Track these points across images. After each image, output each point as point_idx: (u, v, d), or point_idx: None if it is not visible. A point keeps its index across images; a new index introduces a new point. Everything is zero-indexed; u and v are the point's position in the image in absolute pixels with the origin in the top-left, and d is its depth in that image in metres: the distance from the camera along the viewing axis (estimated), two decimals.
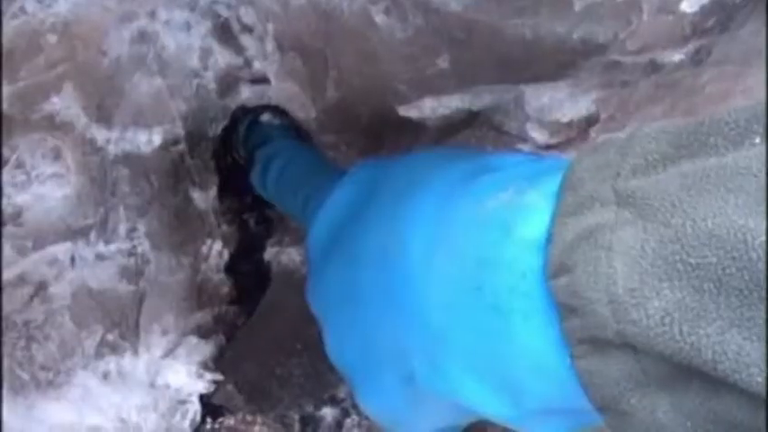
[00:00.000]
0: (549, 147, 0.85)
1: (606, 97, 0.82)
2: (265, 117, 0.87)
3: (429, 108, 0.84)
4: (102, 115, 0.81)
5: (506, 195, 0.40)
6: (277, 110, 0.88)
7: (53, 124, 0.77)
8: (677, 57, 0.76)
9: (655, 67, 0.78)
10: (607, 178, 0.35)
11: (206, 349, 0.93)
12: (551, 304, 0.36)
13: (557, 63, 0.76)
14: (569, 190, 0.36)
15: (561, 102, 0.81)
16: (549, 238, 0.36)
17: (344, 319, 0.52)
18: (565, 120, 0.82)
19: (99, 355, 0.85)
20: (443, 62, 0.78)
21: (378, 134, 0.88)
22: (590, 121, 0.83)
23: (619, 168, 0.35)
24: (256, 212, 0.95)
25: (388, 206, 0.49)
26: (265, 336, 0.95)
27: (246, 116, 0.89)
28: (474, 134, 0.86)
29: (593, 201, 0.35)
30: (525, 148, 0.86)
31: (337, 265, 0.52)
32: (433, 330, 0.43)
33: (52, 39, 0.75)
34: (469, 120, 0.85)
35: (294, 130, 0.88)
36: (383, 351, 0.49)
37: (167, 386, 0.90)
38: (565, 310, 0.35)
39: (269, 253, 0.96)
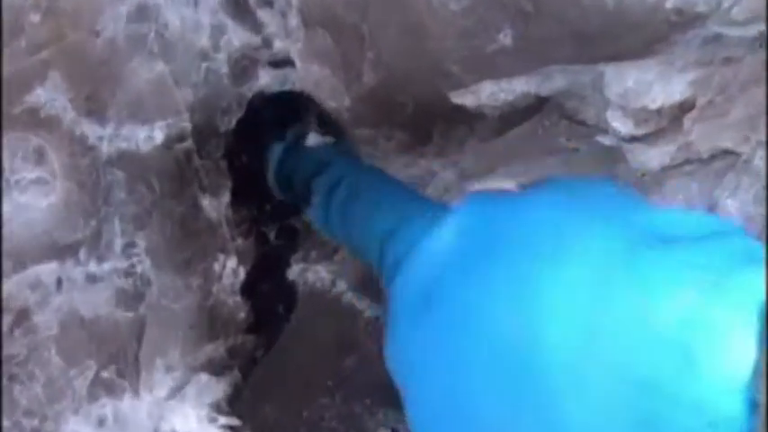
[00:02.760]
0: (633, 138, 0.83)
1: (704, 78, 0.80)
2: (312, 139, 0.86)
3: (488, 93, 0.83)
4: (94, 108, 0.80)
5: (686, 299, 0.37)
6: (325, 124, 0.88)
7: (36, 120, 0.76)
8: None
9: (765, 40, 0.76)
10: None
11: (219, 388, 0.93)
12: None
13: (645, 37, 0.75)
14: None
15: (649, 84, 0.80)
16: (755, 381, 0.34)
17: (438, 396, 0.49)
18: (654, 106, 0.81)
19: (92, 396, 0.84)
20: (506, 38, 0.77)
21: (424, 126, 0.87)
22: (684, 108, 0.81)
23: None
24: (277, 222, 0.94)
25: (517, 271, 0.45)
26: (290, 371, 0.94)
27: (277, 142, 0.88)
28: (542, 124, 0.85)
29: None
30: (605, 140, 0.84)
31: (436, 330, 0.48)
32: None
33: (35, 17, 0.74)
34: (537, 107, 0.84)
35: (351, 149, 0.88)
36: None
37: None
38: None
39: (293, 271, 0.96)
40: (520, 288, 0.43)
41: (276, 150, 0.87)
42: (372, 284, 0.97)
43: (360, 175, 0.75)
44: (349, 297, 0.96)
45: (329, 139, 0.84)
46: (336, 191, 0.73)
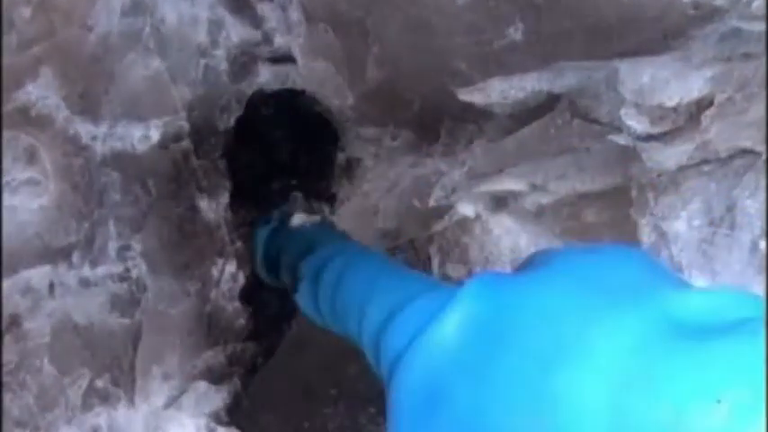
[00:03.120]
0: (649, 137, 0.82)
1: (723, 74, 0.79)
2: (297, 219, 0.85)
3: (497, 91, 0.82)
4: (87, 106, 0.79)
5: (719, 414, 0.35)
6: (308, 203, 0.88)
7: (27, 118, 0.75)
8: None
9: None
10: None
11: (218, 397, 0.92)
12: None
13: (661, 32, 0.74)
14: None
15: (666, 81, 0.78)
16: None
17: None
18: (670, 103, 0.80)
19: (86, 406, 0.83)
20: (516, 33, 0.76)
21: (431, 125, 0.86)
22: (702, 105, 0.80)
23: None
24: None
25: (530, 372, 0.41)
26: (291, 379, 0.93)
27: (262, 225, 0.88)
28: (553, 123, 0.83)
29: None
30: (619, 139, 0.83)
31: None
32: None
33: (26, 12, 0.73)
34: (548, 105, 0.83)
35: (337, 229, 0.85)
36: None
37: None
38: None
39: None
40: (533, 392, 0.40)
41: (261, 235, 0.87)
42: None
43: (349, 258, 0.70)
44: None
45: (315, 219, 0.84)
46: (324, 275, 0.69)
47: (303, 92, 0.88)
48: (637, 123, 0.81)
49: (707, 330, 0.38)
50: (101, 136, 0.80)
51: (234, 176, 0.89)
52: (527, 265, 0.51)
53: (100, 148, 0.80)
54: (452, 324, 0.47)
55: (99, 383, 0.83)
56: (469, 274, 0.93)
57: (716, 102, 0.79)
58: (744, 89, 0.80)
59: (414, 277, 0.63)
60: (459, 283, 0.51)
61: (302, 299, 0.73)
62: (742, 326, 0.38)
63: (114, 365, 0.84)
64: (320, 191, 0.92)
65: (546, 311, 0.43)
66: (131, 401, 0.85)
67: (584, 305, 0.42)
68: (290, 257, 0.78)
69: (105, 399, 0.83)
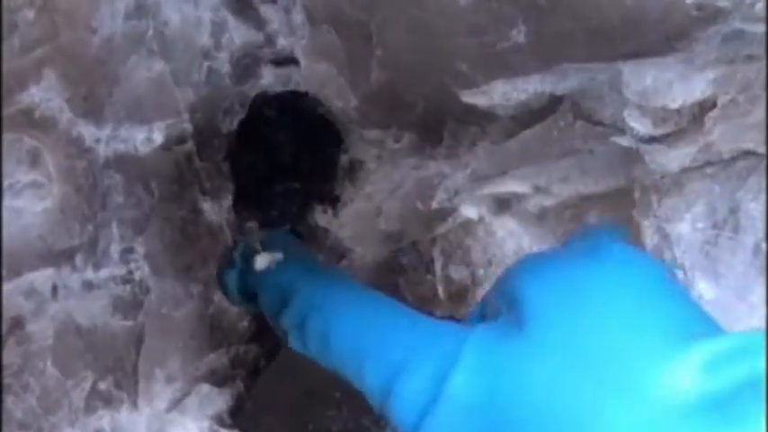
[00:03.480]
0: (652, 139, 0.82)
1: (726, 76, 0.78)
2: (260, 262, 0.74)
3: (500, 93, 0.82)
4: (91, 109, 0.79)
5: None
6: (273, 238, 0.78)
7: (31, 121, 0.75)
8: None
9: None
10: None
11: (221, 400, 0.92)
12: None
13: (664, 34, 0.74)
14: None
15: (669, 83, 0.78)
16: None
17: None
18: (674, 105, 0.79)
19: (89, 408, 0.83)
20: (519, 34, 0.75)
21: (435, 127, 0.86)
22: (705, 107, 0.80)
23: None
24: (281, 227, 0.93)
25: None
26: (294, 382, 0.93)
27: (227, 270, 0.78)
28: (557, 125, 0.83)
29: None
30: (622, 141, 0.82)
31: None
32: None
33: (29, 14, 0.73)
34: (551, 107, 0.82)
35: (306, 258, 0.75)
36: None
37: None
38: None
39: None
40: None
41: (230, 280, 0.79)
42: (380, 291, 0.95)
43: (330, 304, 0.62)
44: None
45: (279, 255, 0.74)
46: (308, 328, 0.62)
47: (306, 94, 0.87)
48: (640, 125, 0.80)
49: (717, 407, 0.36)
50: (104, 138, 0.80)
51: (237, 179, 0.89)
52: (523, 295, 0.47)
53: (103, 151, 0.80)
54: (458, 386, 0.45)
55: (102, 386, 0.83)
56: (472, 276, 0.92)
57: (719, 104, 0.79)
58: (747, 91, 0.79)
59: (406, 320, 0.56)
60: (457, 333, 0.48)
61: (296, 348, 0.66)
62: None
63: (117, 368, 0.84)
64: (323, 193, 0.91)
65: (554, 385, 0.40)
66: (134, 404, 0.85)
67: (591, 377, 0.39)
68: (268, 310, 0.70)
69: (108, 401, 0.83)
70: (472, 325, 0.52)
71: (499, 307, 0.49)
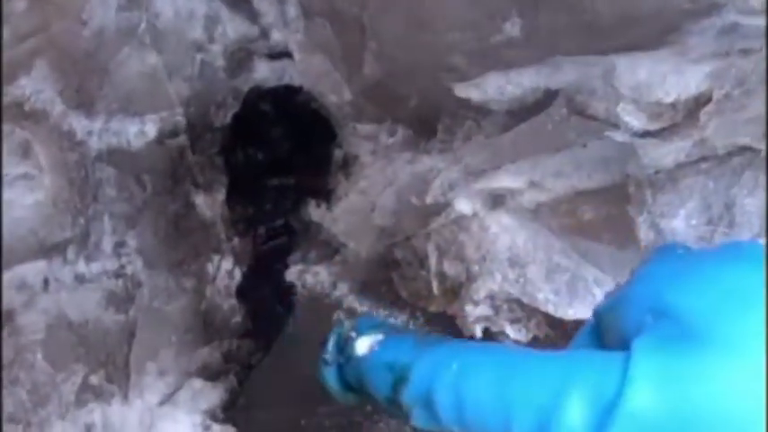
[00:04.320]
0: (646, 133, 0.81)
1: (721, 70, 0.78)
2: (361, 345, 0.68)
3: (494, 87, 0.81)
4: (83, 101, 0.79)
5: None
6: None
7: (22, 112, 0.75)
8: None
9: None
10: None
11: (214, 394, 0.91)
12: None
13: (658, 27, 0.73)
14: None
15: (663, 76, 0.77)
16: None
17: None
18: (668, 99, 0.79)
19: (80, 402, 0.82)
20: (513, 28, 0.75)
21: (429, 121, 0.85)
22: (700, 101, 0.79)
23: None
24: (275, 221, 0.92)
25: None
26: (287, 377, 0.92)
27: (323, 367, 0.74)
28: (551, 119, 0.82)
29: None
30: (615, 135, 0.81)
31: None
32: None
33: (20, 5, 0.73)
34: (545, 101, 0.82)
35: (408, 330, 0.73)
36: None
37: None
38: None
39: (291, 272, 0.93)
40: None
41: (331, 377, 0.71)
42: (375, 287, 0.94)
43: (454, 370, 0.56)
44: (350, 300, 0.94)
45: (379, 337, 0.67)
46: (435, 400, 0.56)
47: (300, 88, 0.87)
48: (634, 119, 0.79)
49: None
50: (96, 131, 0.80)
51: (230, 173, 0.88)
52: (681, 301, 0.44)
53: (95, 144, 0.80)
54: (635, 422, 0.41)
55: (93, 380, 0.82)
56: (466, 272, 0.91)
57: (714, 98, 0.78)
58: (742, 85, 0.78)
59: (540, 360, 0.51)
60: (607, 358, 0.45)
61: (423, 425, 0.63)
62: None
63: (109, 362, 0.83)
64: (317, 187, 0.91)
65: (748, 394, 0.39)
66: (126, 398, 0.84)
67: None
68: (381, 393, 0.63)
69: (99, 395, 0.82)
70: (587, 344, 0.52)
71: (637, 320, 0.47)
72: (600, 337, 0.53)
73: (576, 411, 0.43)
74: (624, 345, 0.44)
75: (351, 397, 0.74)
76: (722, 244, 0.53)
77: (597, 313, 0.53)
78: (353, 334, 0.70)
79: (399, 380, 0.60)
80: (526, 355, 0.51)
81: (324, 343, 0.74)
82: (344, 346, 0.71)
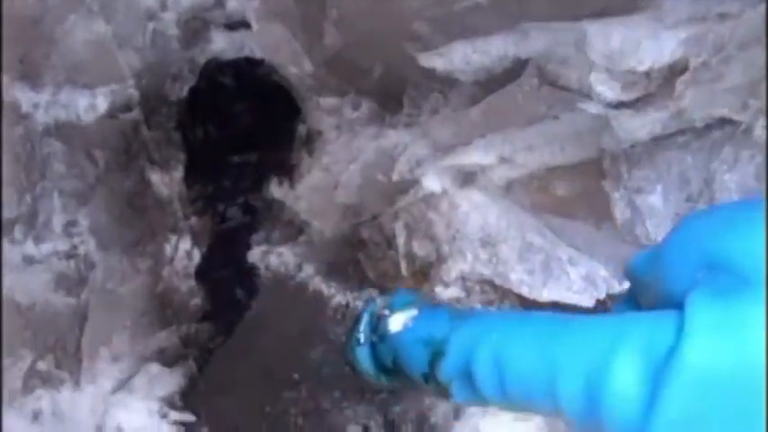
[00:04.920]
0: (620, 104, 0.77)
1: (698, 36, 0.74)
2: (395, 322, 0.67)
3: (460, 56, 0.78)
4: (28, 71, 0.75)
5: None
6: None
7: None
8: None
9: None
10: None
11: (172, 381, 0.87)
12: None
13: None
14: None
15: (637, 43, 0.74)
16: None
17: None
18: (642, 68, 0.75)
19: (27, 388, 0.79)
20: None
21: (394, 94, 0.82)
22: (676, 70, 0.75)
23: None
24: (236, 199, 0.88)
25: None
26: (250, 362, 0.88)
27: (355, 347, 0.71)
28: (521, 90, 0.79)
29: None
30: (589, 107, 0.78)
31: None
32: None
33: None
34: (515, 71, 0.78)
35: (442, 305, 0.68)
36: None
37: (120, 429, 0.83)
38: None
39: (254, 253, 0.90)
40: None
41: (363, 356, 0.71)
42: (342, 269, 0.91)
43: (493, 339, 0.55)
44: (316, 282, 0.90)
45: (413, 312, 0.66)
46: (475, 371, 0.55)
47: (261, 61, 0.83)
48: (608, 89, 0.76)
49: None
50: (43, 104, 0.77)
51: (188, 149, 0.84)
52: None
53: (42, 117, 0.77)
54: (696, 374, 0.39)
55: (41, 365, 0.79)
56: (436, 252, 0.87)
57: (690, 66, 0.75)
58: (720, 52, 0.75)
59: (583, 323, 0.49)
60: (659, 315, 0.43)
61: (463, 398, 0.59)
62: None
63: (58, 346, 0.80)
64: (279, 164, 0.87)
65: None
66: (77, 384, 0.81)
67: None
68: (417, 369, 0.63)
69: (48, 381, 0.79)
70: (628, 304, 0.51)
71: (685, 276, 0.44)
72: (635, 303, 0.51)
73: (627, 370, 0.41)
74: (669, 303, 0.43)
75: (385, 378, 0.71)
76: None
77: (632, 275, 0.52)
78: (387, 311, 0.67)
79: (436, 355, 0.60)
80: (568, 320, 0.50)
81: (355, 322, 0.70)
82: (377, 324, 0.68)
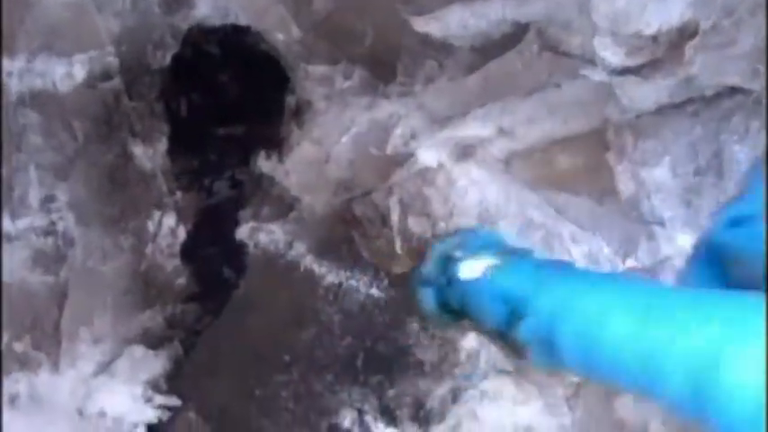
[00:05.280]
0: (625, 70, 0.74)
1: None
2: (468, 269, 0.64)
3: (457, 21, 0.75)
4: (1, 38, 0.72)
5: None
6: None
7: None
8: None
9: None
10: None
11: (156, 363, 0.84)
12: None
13: None
14: None
15: (644, 4, 0.71)
16: None
17: None
18: (649, 31, 0.72)
19: (4, 371, 0.76)
20: None
21: (387, 61, 0.79)
22: (685, 34, 0.72)
23: None
24: (223, 173, 0.85)
25: None
26: (239, 344, 0.85)
27: (423, 287, 0.68)
28: (521, 57, 0.76)
29: None
30: (593, 74, 0.74)
31: None
32: None
33: None
34: (514, 36, 0.75)
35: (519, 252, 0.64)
36: None
37: (102, 414, 0.81)
38: None
39: (242, 230, 0.87)
40: None
41: (428, 297, 0.68)
42: (335, 247, 0.87)
43: (585, 304, 0.53)
44: (307, 261, 0.86)
45: (489, 261, 0.62)
46: (560, 337, 0.53)
47: (248, 28, 0.79)
48: (612, 55, 0.73)
49: None
50: (17, 72, 0.74)
51: (172, 120, 0.81)
52: None
53: (16, 86, 0.74)
54: None
55: (17, 347, 0.77)
56: (433, 229, 0.84)
57: (700, 30, 0.71)
58: (731, 15, 0.71)
59: (690, 294, 0.49)
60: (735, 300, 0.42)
61: (541, 362, 0.58)
62: None
63: (36, 327, 0.77)
64: (267, 137, 0.83)
65: None
66: (56, 367, 0.78)
67: None
68: (492, 323, 0.61)
69: (25, 363, 0.77)
70: (706, 282, 0.49)
71: None
72: (718, 272, 0.49)
73: (743, 366, 0.39)
74: None
75: (447, 318, 0.67)
76: None
77: (716, 244, 0.49)
78: (458, 253, 0.64)
79: (515, 314, 0.57)
80: (668, 296, 0.48)
81: (423, 258, 0.67)
82: (446, 264, 0.65)
